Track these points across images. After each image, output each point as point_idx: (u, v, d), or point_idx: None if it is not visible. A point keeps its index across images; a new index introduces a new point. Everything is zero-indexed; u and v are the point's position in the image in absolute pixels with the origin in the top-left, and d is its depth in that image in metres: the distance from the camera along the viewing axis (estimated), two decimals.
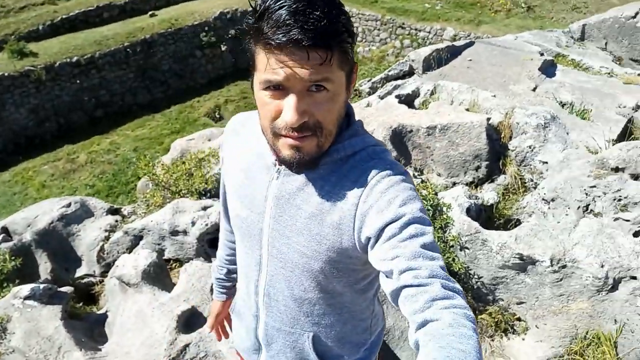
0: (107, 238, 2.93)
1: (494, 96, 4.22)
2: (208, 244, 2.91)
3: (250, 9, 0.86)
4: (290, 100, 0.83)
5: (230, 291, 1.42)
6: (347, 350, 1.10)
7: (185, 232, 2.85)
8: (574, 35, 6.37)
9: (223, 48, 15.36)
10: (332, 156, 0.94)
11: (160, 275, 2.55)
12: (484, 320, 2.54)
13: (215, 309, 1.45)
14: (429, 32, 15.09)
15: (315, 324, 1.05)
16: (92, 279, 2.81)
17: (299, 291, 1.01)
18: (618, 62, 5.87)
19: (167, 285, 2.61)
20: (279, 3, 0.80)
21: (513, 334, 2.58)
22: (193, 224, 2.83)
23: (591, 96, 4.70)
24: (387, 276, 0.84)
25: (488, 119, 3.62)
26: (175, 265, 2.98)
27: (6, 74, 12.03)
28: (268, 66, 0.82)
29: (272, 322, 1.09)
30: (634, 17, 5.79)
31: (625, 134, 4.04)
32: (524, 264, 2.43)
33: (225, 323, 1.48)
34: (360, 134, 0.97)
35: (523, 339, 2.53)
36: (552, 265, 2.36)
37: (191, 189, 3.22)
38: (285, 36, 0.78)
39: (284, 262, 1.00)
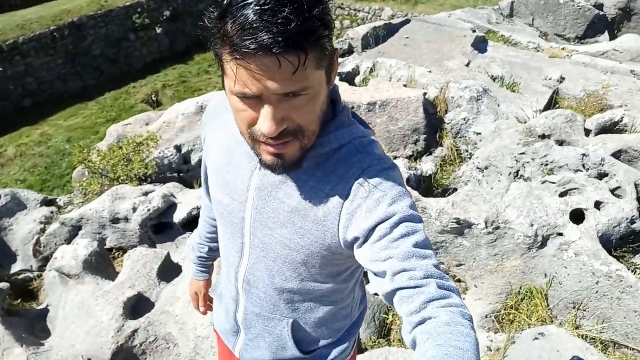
0: (42, 230, 2.80)
1: (430, 72, 4.36)
2: (152, 229, 2.86)
3: None
4: (266, 111, 0.75)
5: (210, 269, 1.39)
6: (326, 334, 1.10)
7: (126, 219, 2.78)
8: (504, 12, 6.65)
9: (158, 30, 14.75)
10: (316, 150, 0.87)
11: (102, 264, 2.48)
12: None
13: (197, 288, 1.41)
14: (368, 12, 15.20)
15: (295, 310, 1.04)
16: (29, 274, 2.69)
17: (279, 280, 0.99)
18: (544, 37, 6.20)
19: (110, 274, 2.55)
20: (243, 1, 0.69)
21: None
22: (134, 210, 2.76)
23: (520, 70, 4.95)
24: (379, 276, 0.82)
25: (425, 94, 3.74)
26: (118, 254, 2.90)
27: None
28: (237, 78, 0.73)
29: (251, 307, 1.07)
30: None
31: (551, 104, 4.31)
32: (461, 227, 2.56)
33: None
34: (347, 125, 0.90)
35: (464, 299, 2.68)
36: (486, 227, 2.50)
37: (130, 174, 3.13)
38: (253, 42, 0.68)
39: (266, 251, 0.97)
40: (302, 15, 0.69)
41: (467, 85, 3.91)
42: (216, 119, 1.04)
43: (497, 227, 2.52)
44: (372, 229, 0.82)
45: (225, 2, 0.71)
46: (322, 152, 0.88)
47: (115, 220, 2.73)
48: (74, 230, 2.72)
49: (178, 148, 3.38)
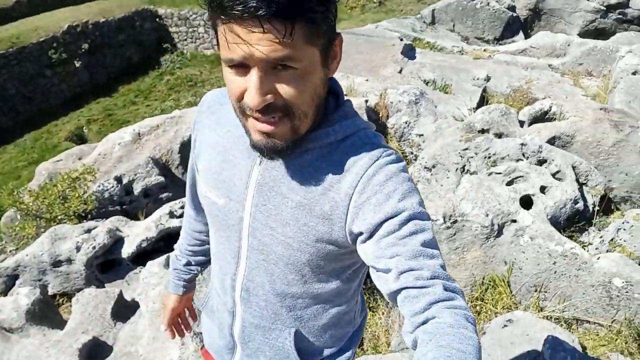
0: None
1: (367, 80, 4.44)
2: (99, 269, 2.65)
3: None
4: (252, 80, 0.73)
5: (189, 285, 1.30)
6: (329, 343, 1.04)
7: (69, 261, 2.56)
8: (426, 20, 6.95)
9: (77, 64, 14.09)
10: (321, 140, 0.85)
11: (47, 313, 2.26)
12: None
13: (171, 303, 1.30)
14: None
15: (298, 318, 0.98)
16: None
17: (281, 285, 0.94)
18: (466, 41, 6.54)
19: (57, 322, 2.32)
20: None
21: None
22: (78, 249, 2.55)
23: (449, 72, 5.17)
24: (382, 272, 0.79)
25: (366, 101, 3.80)
26: (63, 301, 2.66)
27: None
28: (226, 43, 0.72)
29: (250, 319, 1.00)
30: None
31: (483, 102, 4.52)
32: None
33: (180, 321, 1.35)
34: (351, 116, 0.88)
35: None
36: (445, 222, 2.54)
37: (68, 212, 2.91)
38: (239, 5, 0.67)
39: (266, 254, 0.91)
40: None
41: (405, 90, 4.01)
42: (209, 116, 0.99)
43: (455, 221, 2.56)
44: (380, 224, 0.80)
45: None
46: (327, 142, 0.85)
47: (56, 264, 2.51)
48: (10, 281, 2.46)
49: (119, 179, 3.19)
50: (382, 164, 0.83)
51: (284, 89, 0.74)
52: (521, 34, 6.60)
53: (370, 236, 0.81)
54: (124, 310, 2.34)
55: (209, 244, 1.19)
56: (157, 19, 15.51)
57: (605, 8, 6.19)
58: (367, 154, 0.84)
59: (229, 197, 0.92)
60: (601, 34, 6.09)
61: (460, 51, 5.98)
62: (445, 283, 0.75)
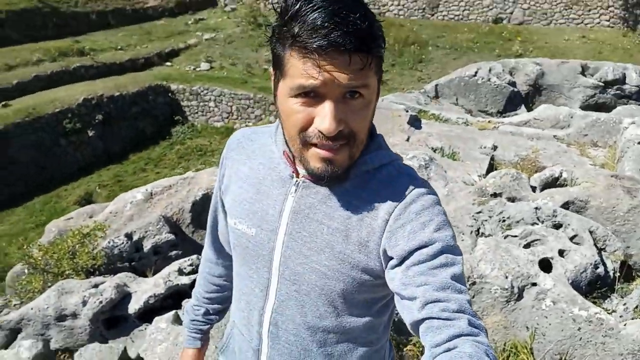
0: None
1: None
2: (104, 325, 2.56)
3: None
4: (327, 108, 0.77)
5: (205, 336, 1.24)
6: None
7: (74, 315, 2.47)
8: (429, 94, 7.21)
9: (90, 134, 14.51)
10: (359, 168, 0.87)
11: None
12: (410, 352, 2.53)
13: (189, 359, 1.23)
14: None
15: (328, 355, 0.94)
16: None
17: (313, 318, 0.91)
18: (470, 113, 6.74)
19: None
20: (311, 5, 0.74)
21: None
22: (84, 303, 2.48)
23: (456, 141, 5.28)
24: (408, 300, 0.79)
25: None
26: (65, 357, 2.54)
27: None
28: (303, 71, 0.76)
29: (277, 357, 0.96)
30: (474, 75, 6.77)
31: (491, 169, 4.56)
32: None
33: None
34: (385, 147, 0.92)
35: None
36: None
37: (76, 268, 2.86)
38: (325, 39, 0.73)
39: (299, 284, 0.90)
40: (368, 21, 0.76)
41: (414, 155, 4.07)
42: (240, 152, 1.01)
43: (474, 283, 2.49)
44: (412, 252, 0.80)
45: (292, 7, 0.76)
46: (364, 170, 0.88)
47: (61, 318, 2.42)
48: (12, 335, 2.37)
49: (129, 236, 3.16)
50: (419, 194, 0.85)
51: (352, 117, 0.79)
52: (523, 107, 6.81)
53: (401, 263, 0.81)
54: None
55: (227, 290, 1.18)
56: (170, 94, 16.18)
57: (603, 84, 6.43)
58: (404, 183, 0.87)
59: (261, 227, 0.92)
60: (601, 107, 6.28)
61: (465, 122, 6.14)
62: (470, 318, 0.75)
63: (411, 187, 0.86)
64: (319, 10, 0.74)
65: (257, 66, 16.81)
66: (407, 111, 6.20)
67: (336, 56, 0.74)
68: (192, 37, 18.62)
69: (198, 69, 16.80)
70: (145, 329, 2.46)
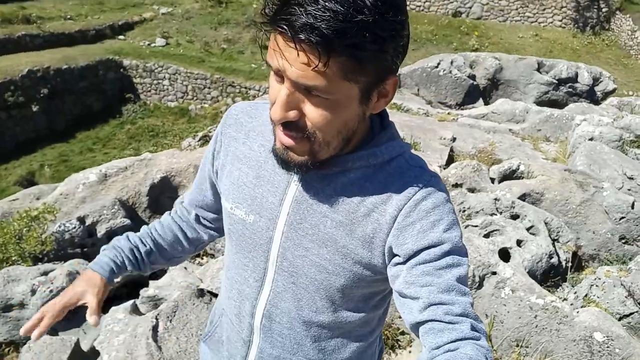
0: None
1: None
2: None
3: None
4: (280, 93, 0.72)
5: (117, 274, 1.01)
6: None
7: (22, 305, 2.32)
8: None
9: (34, 108, 13.67)
10: (367, 161, 0.82)
11: None
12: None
13: (93, 284, 0.96)
14: (259, 90, 15.68)
15: (321, 350, 0.91)
16: None
17: (309, 312, 0.87)
18: (430, 105, 6.83)
19: None
20: None
21: (399, 348, 2.63)
22: (33, 292, 2.32)
23: (417, 132, 5.34)
24: (410, 299, 0.77)
25: None
26: (9, 350, 2.38)
27: None
28: (270, 48, 0.71)
29: (268, 349, 0.92)
30: (436, 67, 6.86)
31: (451, 160, 4.65)
32: None
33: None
34: (397, 138, 0.86)
35: (410, 352, 2.59)
36: None
37: (23, 253, 2.68)
38: (283, 20, 0.65)
39: (296, 277, 0.85)
40: (344, 15, 0.64)
41: None
42: (238, 129, 0.93)
43: None
44: (419, 251, 0.78)
45: None
46: (373, 162, 0.82)
47: (7, 308, 2.26)
48: None
49: (81, 220, 2.99)
50: (431, 191, 0.81)
51: (310, 113, 0.73)
52: (480, 101, 6.98)
53: (406, 261, 0.79)
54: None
55: (177, 255, 1.11)
56: (122, 70, 15.47)
57: (557, 82, 6.68)
58: (415, 177, 0.82)
59: (260, 214, 0.87)
60: (554, 104, 6.53)
61: (425, 113, 6.23)
62: (473, 322, 0.74)
63: (422, 183, 0.82)
64: None
65: (216, 45, 16.31)
66: None
67: (289, 42, 0.66)
68: (148, 10, 17.82)
69: (153, 45, 16.13)
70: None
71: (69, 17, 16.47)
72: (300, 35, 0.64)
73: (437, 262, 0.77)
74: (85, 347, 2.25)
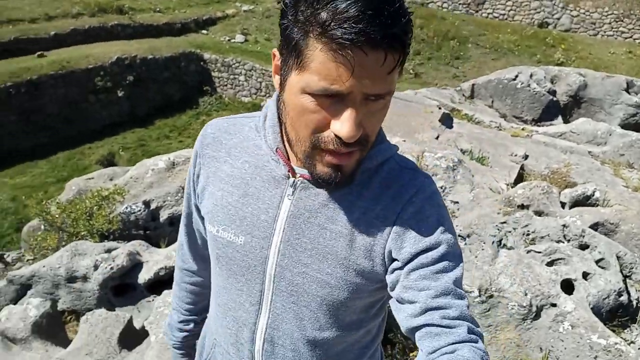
0: None
1: (404, 141, 4.42)
2: (112, 291, 2.56)
3: None
4: (349, 113, 0.68)
5: (194, 349, 1.12)
6: None
7: (85, 278, 2.47)
8: (465, 93, 7.03)
9: (120, 94, 14.63)
10: (362, 165, 0.79)
11: (54, 328, 2.15)
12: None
13: None
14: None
15: None
16: None
17: (312, 331, 0.84)
18: (504, 118, 6.54)
19: (61, 340, 2.21)
20: None
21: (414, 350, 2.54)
22: (96, 268, 2.47)
23: (486, 145, 5.13)
24: (408, 303, 0.76)
25: None
26: (71, 318, 2.55)
27: None
28: (329, 72, 0.65)
29: None
30: (514, 79, 6.55)
31: (520, 178, 4.42)
32: None
33: None
34: (385, 140, 0.84)
35: None
36: (480, 296, 2.39)
37: (92, 230, 2.86)
38: (360, 32, 0.62)
39: (297, 296, 0.82)
40: (404, 16, 0.67)
41: (443, 155, 3.96)
42: (217, 148, 0.89)
43: (491, 296, 2.41)
44: (417, 255, 0.77)
45: None
46: (368, 167, 0.80)
47: (72, 279, 2.42)
48: (22, 290, 2.38)
49: (147, 204, 3.15)
50: (426, 193, 0.81)
51: (369, 121, 0.71)
52: (560, 118, 6.59)
53: (404, 265, 0.78)
54: (131, 338, 2.21)
55: (207, 298, 1.08)
56: (202, 63, 16.16)
57: None
58: (409, 180, 0.82)
59: (251, 234, 0.83)
60: None
61: (498, 127, 5.97)
62: (470, 325, 0.74)
63: (416, 185, 0.81)
64: None
65: None
66: (440, 108, 6.05)
67: (370, 55, 0.64)
68: (230, 7, 18.51)
69: (232, 41, 16.73)
70: (153, 300, 2.45)
71: (158, 9, 17.45)
72: (383, 44, 0.64)
73: (434, 266, 0.76)
74: (137, 325, 2.36)
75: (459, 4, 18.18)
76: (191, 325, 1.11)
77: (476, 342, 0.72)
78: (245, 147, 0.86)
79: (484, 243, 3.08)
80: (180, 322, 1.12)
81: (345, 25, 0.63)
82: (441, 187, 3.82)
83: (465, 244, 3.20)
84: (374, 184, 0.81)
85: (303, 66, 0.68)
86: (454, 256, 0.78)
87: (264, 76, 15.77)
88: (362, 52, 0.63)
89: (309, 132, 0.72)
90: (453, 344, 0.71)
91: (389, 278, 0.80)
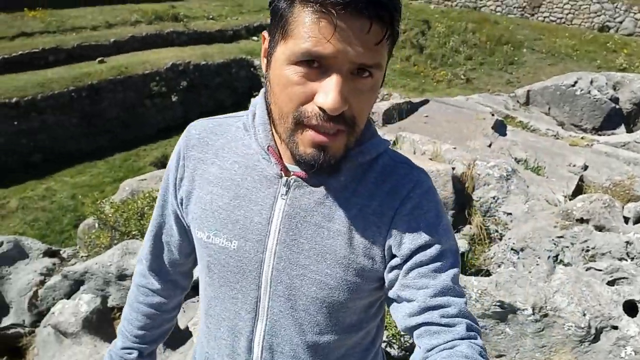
0: (42, 283, 2.54)
1: (455, 148, 4.29)
2: None
3: None
4: (334, 81, 0.65)
5: None
6: None
7: None
8: (520, 100, 6.77)
9: (174, 99, 15.14)
10: (354, 160, 0.77)
11: (103, 324, 2.21)
12: None
13: None
14: (377, 97, 15.69)
15: None
16: (20, 329, 2.40)
17: (312, 335, 0.81)
18: (561, 126, 6.25)
19: (109, 336, 2.27)
20: None
21: None
22: None
23: (543, 154, 4.90)
24: (406, 301, 0.76)
25: (453, 169, 3.63)
26: (119, 315, 2.62)
27: None
28: (312, 33, 0.63)
29: None
30: (573, 85, 6.25)
31: (579, 190, 4.19)
32: (505, 312, 2.32)
33: None
34: (377, 134, 0.82)
35: None
36: (534, 314, 2.26)
37: (143, 230, 2.93)
38: None
39: (295, 299, 0.79)
40: None
41: (495, 164, 3.81)
42: (203, 149, 0.85)
43: (546, 315, 2.27)
44: (415, 252, 0.76)
45: None
46: (361, 162, 0.78)
47: (122, 277, 2.49)
48: (76, 285, 2.47)
49: None
50: (422, 187, 0.80)
51: (356, 99, 0.68)
52: (623, 127, 6.22)
53: (403, 263, 0.77)
54: (175, 337, 2.24)
55: (165, 324, 1.04)
56: (252, 69, 16.47)
57: None
58: (405, 175, 0.80)
59: (245, 237, 0.79)
60: None
61: (555, 135, 5.70)
62: (469, 322, 0.74)
63: (412, 180, 0.80)
64: None
65: None
66: (493, 115, 5.85)
67: (354, 20, 0.62)
68: None
69: None
70: (198, 301, 2.48)
71: (211, 17, 17.97)
72: (368, 11, 0.62)
73: (433, 264, 0.75)
74: (181, 325, 2.39)
75: (514, 7, 17.62)
76: (134, 355, 1.01)
77: (475, 338, 0.72)
78: (234, 147, 0.83)
79: (539, 258, 2.92)
80: (124, 348, 1.02)
81: None
82: (493, 198, 3.67)
83: (519, 258, 3.05)
84: (368, 180, 0.79)
85: (287, 34, 0.66)
86: (451, 252, 0.78)
87: None
88: (346, 15, 0.62)
89: (292, 106, 0.68)
90: (451, 341, 0.71)
91: (387, 277, 0.78)
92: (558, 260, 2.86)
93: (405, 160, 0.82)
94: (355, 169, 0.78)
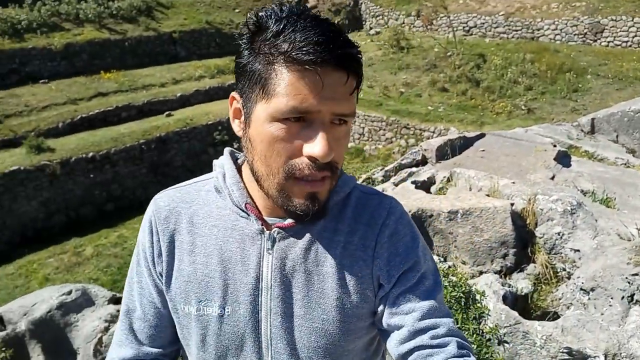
0: (106, 329, 2.67)
1: (514, 183, 4.13)
2: None
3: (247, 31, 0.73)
4: (320, 133, 0.69)
5: None
6: None
7: None
8: (584, 128, 6.45)
9: (235, 146, 15.80)
10: (332, 199, 0.80)
11: None
12: None
13: None
14: (433, 132, 15.51)
15: None
16: None
17: None
18: (632, 154, 5.86)
19: None
20: (298, 25, 0.68)
21: None
22: None
23: (612, 185, 4.60)
24: (396, 329, 0.77)
25: (511, 204, 3.48)
26: None
27: (22, 168, 12.25)
28: (296, 90, 0.67)
29: None
30: None
31: None
32: None
33: None
34: (344, 171, 0.86)
35: None
36: None
37: None
38: (324, 53, 0.66)
39: (297, 352, 0.77)
40: (354, 45, 0.72)
41: (559, 198, 3.61)
42: (177, 219, 0.82)
43: None
44: (400, 277, 0.79)
45: (276, 25, 0.70)
46: (337, 200, 0.81)
47: None
48: None
49: None
50: (397, 214, 0.83)
51: (336, 146, 0.73)
52: None
53: (389, 291, 0.78)
54: None
55: None
56: None
57: None
58: (378, 205, 0.83)
59: (237, 300, 0.77)
60: None
61: (625, 164, 5.35)
62: (459, 341, 0.74)
63: (385, 208, 0.83)
64: (308, 29, 0.67)
65: (394, 88, 16.82)
66: (554, 145, 5.60)
67: (333, 74, 0.68)
68: None
69: None
70: None
71: None
72: (345, 64, 0.69)
73: (417, 287, 0.77)
74: None
75: (574, 34, 17.08)
76: None
77: (468, 356, 0.73)
78: (208, 211, 0.81)
79: (612, 299, 2.69)
80: None
81: (309, 49, 0.66)
82: (558, 234, 3.46)
83: (589, 299, 2.83)
84: (346, 216, 0.82)
85: (269, 93, 0.69)
86: (432, 273, 0.80)
87: (367, 121, 16.06)
88: (327, 70, 0.67)
89: (282, 161, 0.71)
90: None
91: (378, 308, 0.80)
92: (634, 301, 2.62)
93: (375, 191, 0.86)
94: (331, 209, 0.81)
